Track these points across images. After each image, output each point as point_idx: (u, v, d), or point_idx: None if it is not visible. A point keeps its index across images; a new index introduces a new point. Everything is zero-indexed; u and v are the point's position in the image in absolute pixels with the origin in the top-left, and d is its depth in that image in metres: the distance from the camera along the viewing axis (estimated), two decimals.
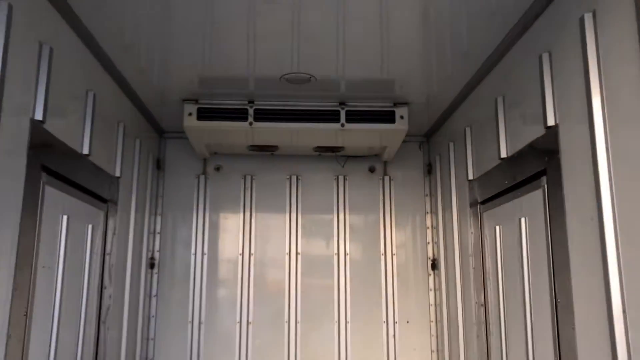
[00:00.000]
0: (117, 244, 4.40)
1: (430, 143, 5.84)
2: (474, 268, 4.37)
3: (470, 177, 4.42)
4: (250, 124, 4.78)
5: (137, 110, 4.90)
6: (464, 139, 4.55)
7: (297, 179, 5.74)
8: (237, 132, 4.93)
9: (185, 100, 4.83)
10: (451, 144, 4.97)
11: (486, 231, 4.15)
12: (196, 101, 4.84)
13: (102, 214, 4.06)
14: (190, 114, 4.78)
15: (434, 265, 5.61)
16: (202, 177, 5.71)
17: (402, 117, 4.85)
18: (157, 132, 5.62)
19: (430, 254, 5.67)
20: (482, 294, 4.16)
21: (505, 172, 3.72)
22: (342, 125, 4.82)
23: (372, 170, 5.80)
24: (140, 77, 4.35)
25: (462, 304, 4.70)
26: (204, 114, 4.81)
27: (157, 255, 5.57)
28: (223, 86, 4.62)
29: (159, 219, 5.62)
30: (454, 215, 4.91)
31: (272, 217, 5.70)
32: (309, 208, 5.72)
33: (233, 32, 3.58)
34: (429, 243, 5.70)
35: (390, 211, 5.72)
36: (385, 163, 5.78)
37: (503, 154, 3.74)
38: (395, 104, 4.90)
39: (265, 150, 5.50)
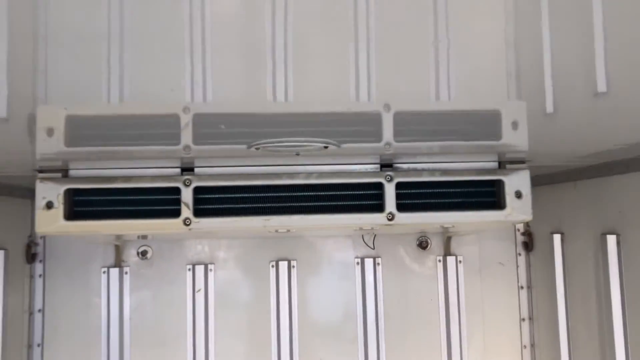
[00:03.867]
0: None
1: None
2: None
3: None
4: (187, 222, 2.14)
5: None
6: None
7: (290, 267, 3.15)
8: (162, 235, 2.31)
9: (41, 171, 2.17)
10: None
11: None
12: (64, 173, 2.17)
13: None
14: (48, 206, 2.11)
15: None
16: (113, 272, 3.08)
17: (518, 196, 2.22)
18: (20, 195, 2.93)
19: None
20: None
21: None
22: (390, 216, 2.19)
23: (423, 245, 3.21)
24: None
25: None
26: (83, 205, 2.15)
27: None
28: (122, 135, 2.02)
29: (36, 354, 3.03)
30: None
31: (243, 343, 3.14)
32: (313, 322, 3.15)
33: None
34: None
35: (459, 319, 3.18)
36: (447, 237, 3.17)
37: None
38: (502, 165, 2.27)
39: None
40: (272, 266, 3.13)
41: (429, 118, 2.06)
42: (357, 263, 3.17)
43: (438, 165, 2.24)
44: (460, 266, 3.20)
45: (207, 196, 2.17)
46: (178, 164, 2.18)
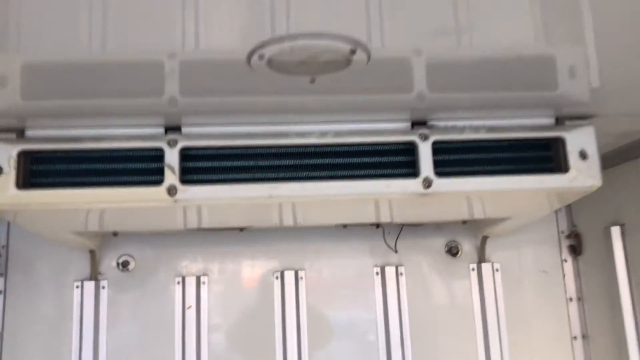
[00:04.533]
0: None
1: None
2: None
3: None
4: (171, 190, 1.69)
5: None
6: None
7: (297, 278, 2.67)
8: (141, 213, 1.85)
9: None
10: None
11: None
12: (20, 133, 1.74)
13: None
14: None
15: None
16: (88, 286, 2.60)
17: (583, 157, 1.79)
18: None
19: None
20: None
21: None
22: (427, 183, 1.74)
23: (453, 251, 2.74)
24: None
25: None
26: (42, 174, 1.72)
27: None
28: (91, 87, 1.59)
29: None
30: None
31: None
32: (326, 344, 2.65)
33: None
34: None
35: (499, 337, 2.67)
36: (484, 238, 2.70)
37: None
38: (559, 120, 1.85)
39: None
40: (277, 277, 2.65)
41: (469, 66, 1.66)
42: (377, 273, 2.69)
43: (482, 122, 1.82)
44: (497, 275, 2.72)
45: (197, 163, 1.73)
46: (161, 122, 1.76)
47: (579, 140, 1.80)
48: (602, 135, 1.88)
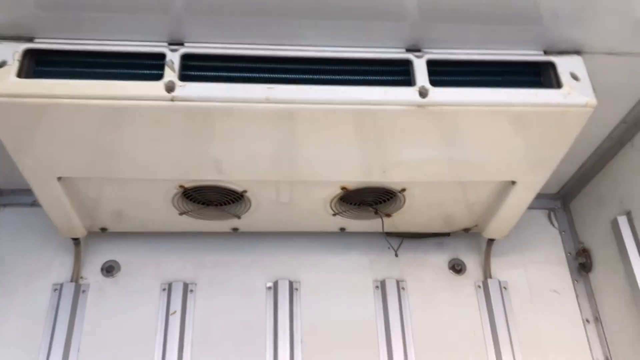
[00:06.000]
0: None
1: (573, 209, 2.76)
2: None
3: None
4: (170, 87, 1.71)
5: None
6: None
7: (292, 290, 2.49)
8: (139, 117, 1.80)
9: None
10: None
11: None
12: (29, 40, 1.81)
13: None
14: (2, 63, 1.72)
15: None
16: (67, 289, 2.42)
17: (575, 77, 1.84)
18: None
19: None
20: None
21: None
22: (422, 92, 1.77)
23: (457, 268, 2.61)
24: None
25: None
26: (46, 67, 1.77)
27: None
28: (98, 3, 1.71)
29: None
30: None
31: None
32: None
33: None
34: None
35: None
36: (488, 247, 2.59)
37: None
38: (547, 53, 1.93)
39: (220, 213, 2.31)
40: (269, 288, 2.48)
41: None
42: (375, 286, 2.52)
43: (474, 51, 1.89)
44: (506, 293, 2.54)
45: (197, 73, 1.78)
46: (165, 39, 1.84)
47: (569, 65, 1.86)
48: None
